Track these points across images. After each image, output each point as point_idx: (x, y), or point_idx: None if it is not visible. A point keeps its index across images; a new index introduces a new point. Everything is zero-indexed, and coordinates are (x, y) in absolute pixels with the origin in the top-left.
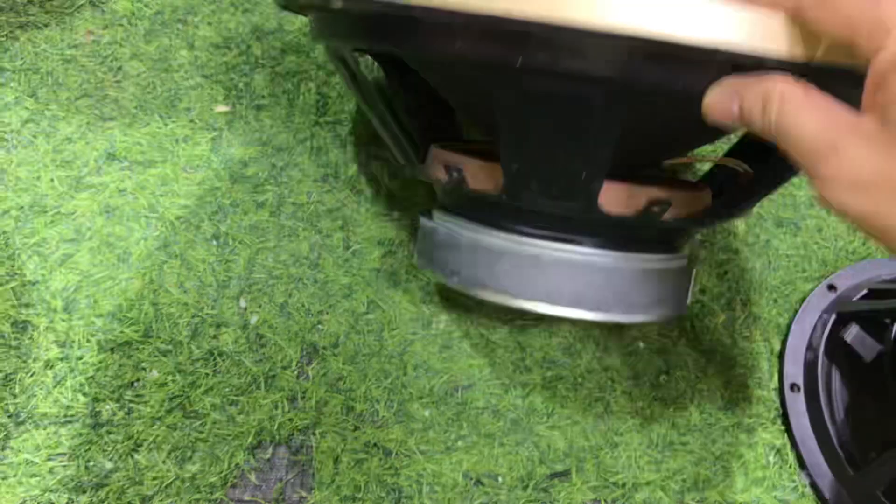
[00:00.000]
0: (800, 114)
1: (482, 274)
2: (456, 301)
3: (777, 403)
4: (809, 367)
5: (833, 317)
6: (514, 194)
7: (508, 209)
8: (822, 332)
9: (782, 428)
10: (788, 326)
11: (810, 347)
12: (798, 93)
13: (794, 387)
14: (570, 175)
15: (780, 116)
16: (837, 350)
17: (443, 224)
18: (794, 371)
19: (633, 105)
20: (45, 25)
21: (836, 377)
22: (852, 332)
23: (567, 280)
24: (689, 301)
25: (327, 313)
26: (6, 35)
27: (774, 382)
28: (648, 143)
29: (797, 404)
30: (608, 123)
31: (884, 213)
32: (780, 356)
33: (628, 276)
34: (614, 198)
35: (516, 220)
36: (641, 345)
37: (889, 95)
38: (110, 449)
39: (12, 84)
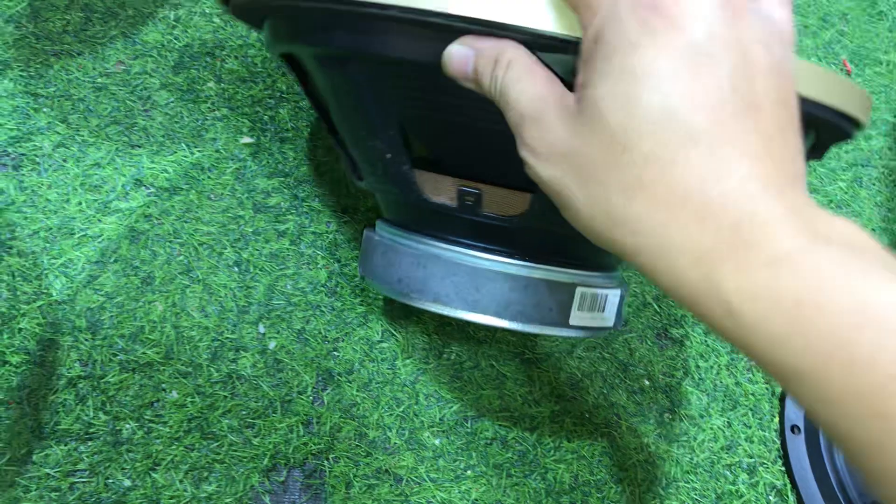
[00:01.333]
0: (520, 80)
1: (387, 273)
2: (467, 332)
3: (778, 444)
4: None
5: None
6: (358, 177)
7: (425, 214)
8: None
9: (783, 469)
10: None
11: None
12: (525, 61)
13: (794, 429)
14: (379, 157)
15: (504, 80)
16: None
17: (372, 231)
18: (795, 413)
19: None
20: (79, 54)
21: None
22: None
23: (438, 278)
24: (574, 321)
25: (343, 340)
26: (41, 62)
27: (776, 424)
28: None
29: (798, 446)
30: (379, 99)
31: (566, 186)
32: (782, 398)
33: (493, 278)
34: (430, 186)
35: (429, 225)
36: (647, 382)
37: (585, 74)
38: (129, 467)
39: (45, 110)
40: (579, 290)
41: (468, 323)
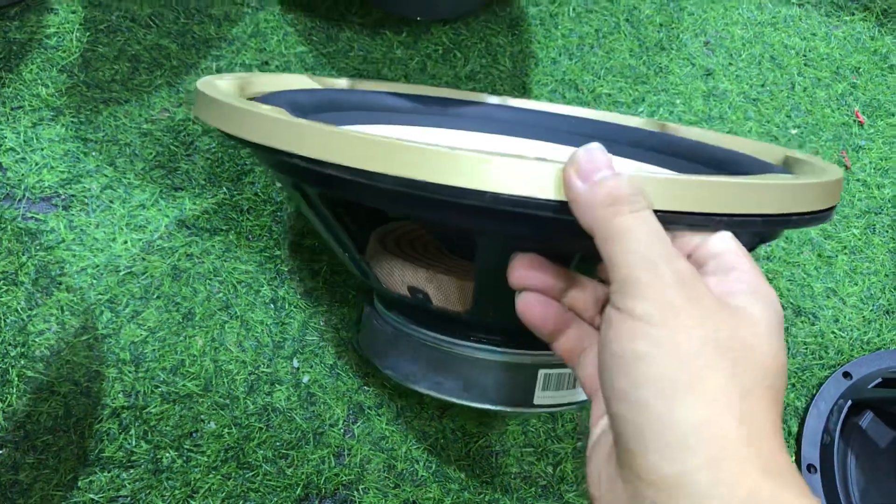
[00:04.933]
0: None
1: (369, 346)
2: None
3: None
4: (826, 450)
5: (848, 403)
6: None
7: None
8: (838, 417)
9: None
10: (806, 410)
11: (827, 431)
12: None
13: (810, 468)
14: (342, 251)
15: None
16: (853, 435)
17: (369, 305)
18: (811, 453)
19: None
20: (126, 101)
21: (851, 460)
22: (867, 419)
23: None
24: (539, 401)
25: (373, 375)
26: (91, 109)
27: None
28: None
29: (814, 485)
30: (339, 225)
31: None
32: (798, 438)
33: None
34: (390, 279)
35: (402, 309)
36: None
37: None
38: (168, 494)
39: (94, 153)
40: (542, 371)
41: None
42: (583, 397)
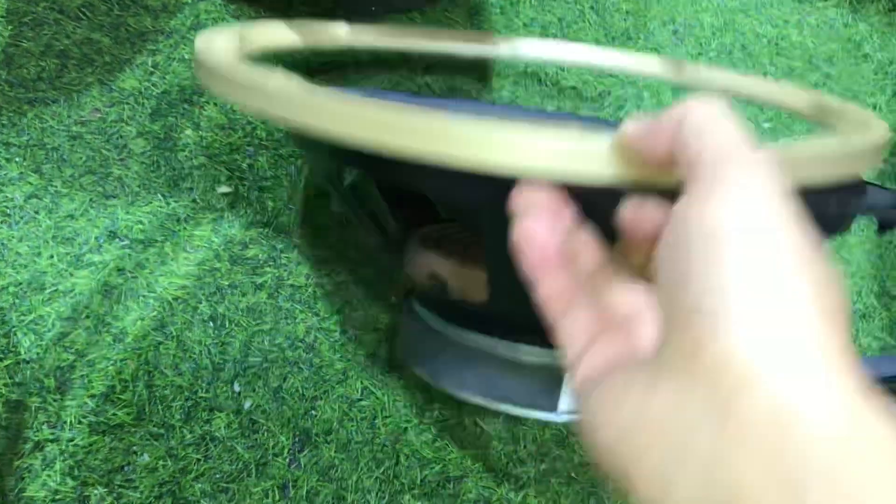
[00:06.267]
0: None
1: (403, 344)
2: None
3: None
4: None
5: None
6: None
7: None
8: None
9: None
10: None
11: None
12: None
13: None
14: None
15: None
16: None
17: (417, 316)
18: None
19: None
20: (54, 101)
21: None
22: None
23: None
24: (565, 406)
25: (321, 399)
26: (14, 110)
27: None
28: None
29: None
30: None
31: None
32: None
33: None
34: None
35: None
36: None
37: None
38: None
39: (17, 159)
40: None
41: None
42: None
